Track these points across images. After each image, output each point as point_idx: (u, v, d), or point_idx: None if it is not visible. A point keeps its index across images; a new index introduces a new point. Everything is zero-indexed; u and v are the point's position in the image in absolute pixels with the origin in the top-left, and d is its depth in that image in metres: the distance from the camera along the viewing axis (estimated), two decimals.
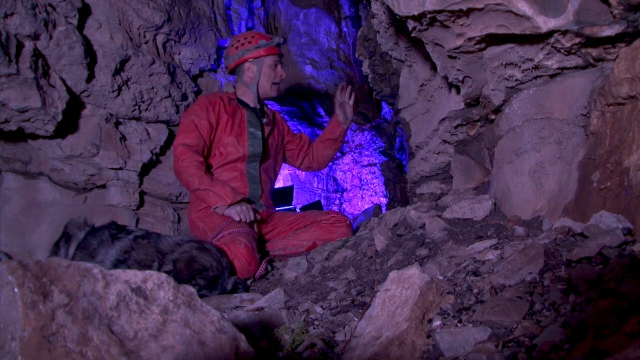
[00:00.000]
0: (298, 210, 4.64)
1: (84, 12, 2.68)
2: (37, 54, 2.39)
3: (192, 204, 2.57)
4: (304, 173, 5.53)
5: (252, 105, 2.71)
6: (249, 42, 2.66)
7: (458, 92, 1.99)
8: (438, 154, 2.41)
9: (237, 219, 2.36)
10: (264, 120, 2.73)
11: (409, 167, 2.82)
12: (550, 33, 1.40)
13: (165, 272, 1.21)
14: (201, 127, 2.51)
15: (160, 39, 3.13)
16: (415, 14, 1.55)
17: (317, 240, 2.48)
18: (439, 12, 1.49)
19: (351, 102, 2.84)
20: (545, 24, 1.38)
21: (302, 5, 5.91)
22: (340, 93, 2.84)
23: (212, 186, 2.40)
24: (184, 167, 2.41)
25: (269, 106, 2.91)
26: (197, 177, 2.40)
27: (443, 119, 2.17)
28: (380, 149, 5.70)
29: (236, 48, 2.67)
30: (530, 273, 1.03)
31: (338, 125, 2.89)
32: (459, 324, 0.94)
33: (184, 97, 3.26)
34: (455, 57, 1.70)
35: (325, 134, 2.95)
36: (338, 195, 5.74)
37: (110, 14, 2.78)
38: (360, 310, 1.21)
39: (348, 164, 5.83)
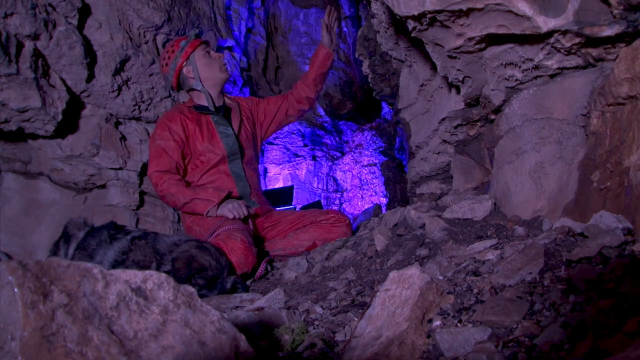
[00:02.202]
0: (298, 210, 4.64)
1: (84, 12, 2.68)
2: (37, 54, 2.39)
3: (185, 213, 2.59)
4: (303, 173, 5.53)
5: (211, 105, 2.67)
6: (172, 52, 2.64)
7: (458, 92, 1.99)
8: (438, 154, 2.41)
9: (231, 216, 2.37)
10: (227, 114, 2.72)
11: (409, 167, 2.82)
12: (550, 33, 1.40)
13: (165, 272, 1.21)
14: (169, 149, 2.50)
15: (160, 39, 3.13)
16: (415, 14, 1.55)
17: (317, 240, 2.48)
18: (439, 12, 1.49)
19: (335, 25, 2.89)
20: (545, 24, 1.38)
21: (302, 5, 5.91)
22: (328, 17, 2.86)
23: (195, 195, 2.42)
24: (165, 190, 2.42)
25: (229, 96, 2.89)
26: (180, 194, 2.41)
27: (443, 119, 2.17)
28: (380, 149, 5.70)
29: (166, 65, 2.65)
30: (530, 273, 1.03)
31: (329, 56, 2.88)
32: (459, 324, 0.94)
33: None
34: (455, 57, 1.70)
35: (315, 69, 2.90)
36: (338, 195, 5.74)
37: (110, 14, 2.78)
38: (360, 310, 1.21)
39: (348, 164, 5.83)
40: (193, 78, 2.65)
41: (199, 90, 2.66)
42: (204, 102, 2.68)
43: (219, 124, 2.65)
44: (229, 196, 2.47)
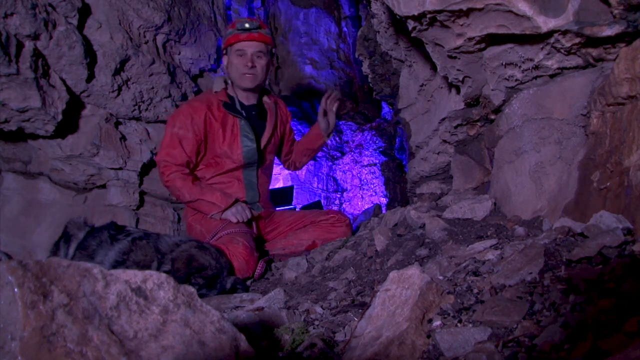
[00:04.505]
0: (298, 210, 4.64)
1: (84, 12, 2.68)
2: (37, 54, 2.39)
3: (188, 208, 2.56)
4: (303, 173, 5.53)
5: (243, 102, 2.52)
6: (226, 31, 2.50)
7: (458, 92, 1.99)
8: (438, 154, 2.41)
9: (235, 220, 2.36)
10: (261, 115, 2.58)
11: (409, 167, 2.82)
12: (550, 33, 1.40)
13: (165, 271, 1.21)
14: (185, 140, 2.37)
15: (160, 39, 3.13)
16: (415, 14, 1.55)
17: (317, 240, 2.48)
18: (439, 12, 1.49)
19: (334, 108, 2.68)
20: (545, 24, 1.38)
21: (302, 5, 5.91)
22: (325, 100, 2.64)
23: (202, 195, 2.37)
24: (170, 182, 2.38)
25: (270, 95, 2.71)
26: (186, 190, 2.36)
27: (443, 119, 2.17)
28: (380, 149, 5.69)
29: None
30: (530, 273, 1.03)
31: (320, 137, 2.76)
32: (459, 324, 0.94)
33: (184, 97, 3.26)
34: (455, 57, 1.70)
35: (304, 142, 2.82)
36: (338, 195, 5.74)
37: (110, 14, 2.78)
38: (360, 310, 1.21)
39: (348, 164, 5.83)
40: (226, 71, 2.53)
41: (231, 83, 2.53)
42: (235, 95, 2.53)
43: (245, 131, 2.47)
44: (235, 202, 2.44)
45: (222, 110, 2.48)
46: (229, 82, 2.55)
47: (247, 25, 2.42)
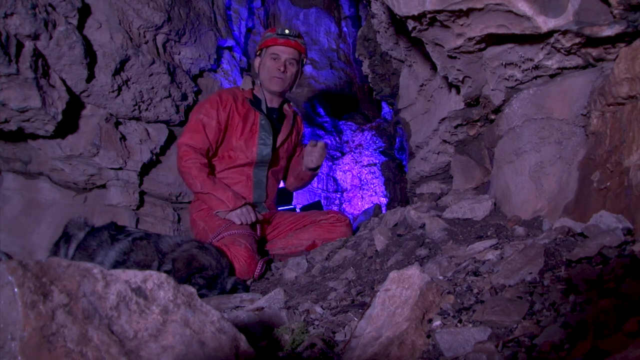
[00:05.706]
0: (298, 210, 4.63)
1: (84, 12, 2.68)
2: (37, 54, 2.39)
3: (194, 203, 2.58)
4: None
5: (267, 103, 2.66)
6: (265, 34, 2.67)
7: (458, 92, 1.99)
8: (438, 154, 2.41)
9: (238, 222, 2.37)
10: (280, 119, 2.69)
11: (409, 167, 2.82)
12: (550, 33, 1.40)
13: (165, 271, 1.21)
14: (209, 128, 2.48)
15: (160, 39, 3.13)
16: (415, 14, 1.55)
17: (317, 240, 2.48)
18: (439, 12, 1.49)
19: (319, 148, 2.69)
20: (545, 24, 1.38)
21: (302, 5, 5.91)
22: (310, 148, 2.71)
23: (213, 190, 2.41)
24: (187, 168, 2.42)
25: (290, 105, 2.83)
26: (199, 180, 2.40)
27: (443, 119, 2.17)
28: (380, 149, 5.69)
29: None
30: (530, 273, 1.03)
31: (303, 171, 2.81)
32: (459, 324, 0.94)
33: (184, 97, 3.26)
34: (455, 57, 1.70)
35: (294, 171, 2.87)
36: (338, 195, 5.74)
37: (110, 14, 2.77)
38: (360, 310, 1.21)
39: (348, 164, 5.82)
40: (257, 73, 2.69)
41: (260, 84, 2.68)
42: (262, 96, 2.67)
43: (264, 129, 2.60)
44: (244, 204, 2.46)
45: (246, 105, 2.61)
46: (257, 82, 2.70)
47: (286, 32, 2.59)
